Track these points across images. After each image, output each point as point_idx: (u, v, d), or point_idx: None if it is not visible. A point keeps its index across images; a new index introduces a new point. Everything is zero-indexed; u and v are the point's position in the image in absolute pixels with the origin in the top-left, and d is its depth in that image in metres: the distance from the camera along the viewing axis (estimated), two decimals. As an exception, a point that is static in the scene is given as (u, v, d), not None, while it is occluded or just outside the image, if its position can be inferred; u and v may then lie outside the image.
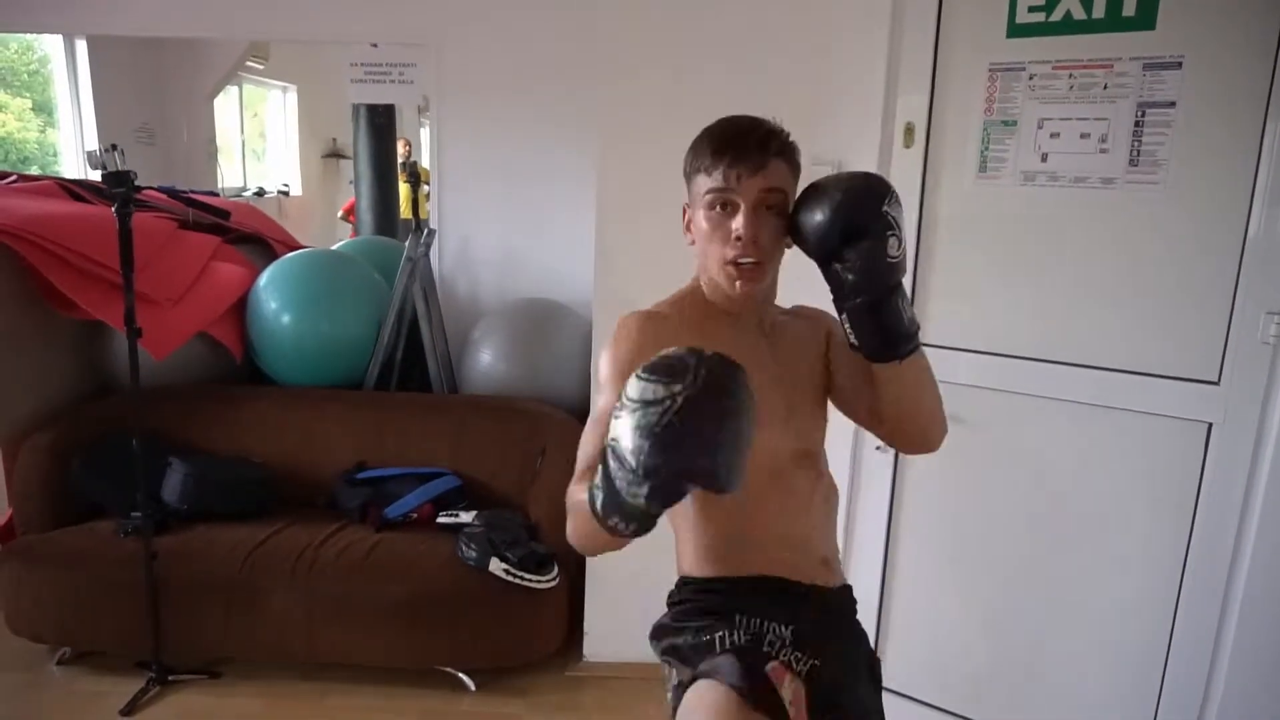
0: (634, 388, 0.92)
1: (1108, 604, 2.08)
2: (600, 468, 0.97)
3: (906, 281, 2.21)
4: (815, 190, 1.19)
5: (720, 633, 1.24)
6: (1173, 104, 1.84)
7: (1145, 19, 1.85)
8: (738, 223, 1.20)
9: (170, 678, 2.55)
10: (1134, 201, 1.92)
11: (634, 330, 1.23)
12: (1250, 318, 1.82)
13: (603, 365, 1.23)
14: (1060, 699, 2.18)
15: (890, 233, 1.14)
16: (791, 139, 1.25)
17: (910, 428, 1.30)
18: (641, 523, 0.96)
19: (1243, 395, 1.85)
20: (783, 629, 1.25)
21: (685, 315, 1.28)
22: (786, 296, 1.39)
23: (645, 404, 0.90)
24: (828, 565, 1.35)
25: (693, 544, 1.32)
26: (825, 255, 1.18)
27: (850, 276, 1.15)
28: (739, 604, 1.27)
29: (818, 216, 1.16)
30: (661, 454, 0.89)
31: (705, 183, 1.22)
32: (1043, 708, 2.21)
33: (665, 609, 1.36)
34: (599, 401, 1.21)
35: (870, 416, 1.32)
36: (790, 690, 1.17)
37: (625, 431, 0.91)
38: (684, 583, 1.35)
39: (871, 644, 1.43)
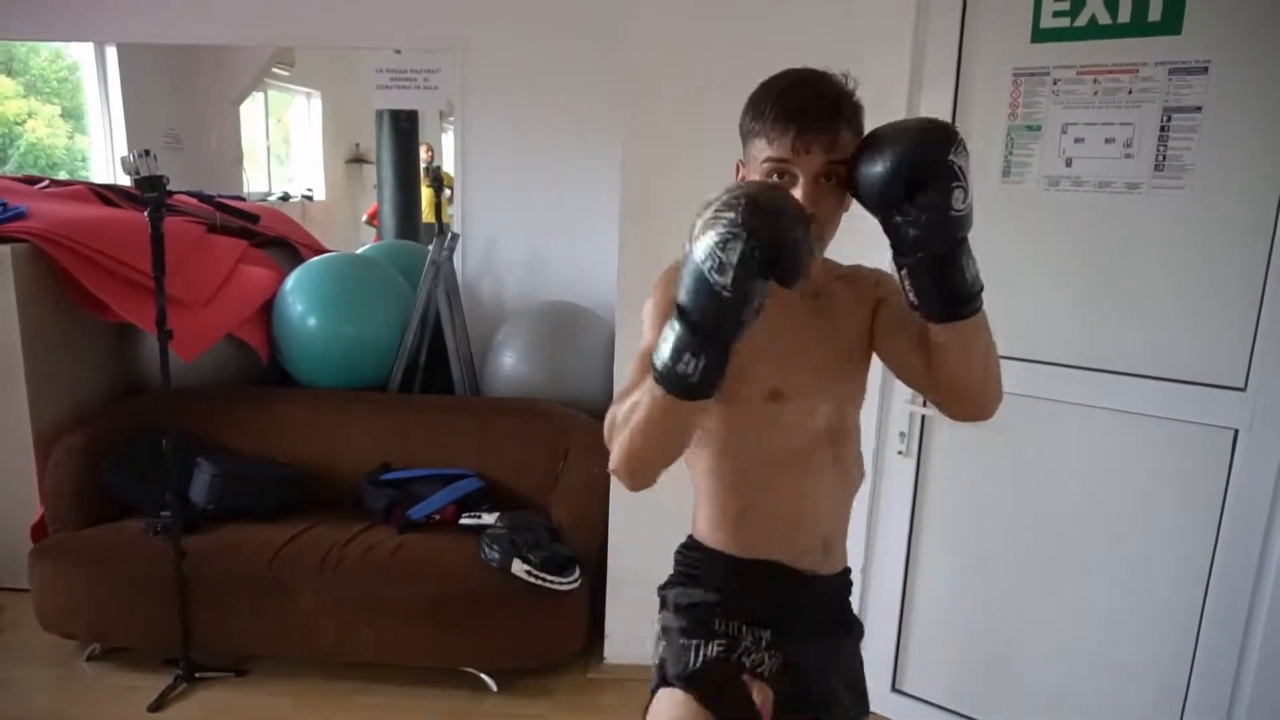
0: (701, 220, 1.01)
1: (1132, 611, 2.07)
2: (671, 319, 1.04)
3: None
4: (875, 139, 1.10)
5: (697, 642, 1.29)
6: (1199, 108, 1.84)
7: (1171, 23, 1.85)
8: (796, 195, 1.12)
9: (198, 675, 2.58)
10: (1159, 206, 1.91)
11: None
12: (1277, 323, 1.81)
13: (647, 307, 1.21)
14: (1085, 706, 2.17)
15: (956, 184, 1.03)
16: (858, 98, 1.19)
17: (966, 394, 1.23)
18: (714, 338, 1.01)
19: (1269, 401, 1.84)
20: (761, 631, 1.29)
21: None
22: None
23: (717, 212, 1.00)
24: (829, 550, 1.34)
25: (706, 507, 1.33)
26: (886, 208, 1.08)
27: (912, 231, 1.05)
28: (727, 599, 1.31)
29: (878, 167, 1.06)
30: (753, 215, 0.98)
31: (764, 149, 1.16)
32: (1067, 714, 2.20)
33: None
34: (644, 339, 1.18)
35: (925, 381, 1.25)
36: (759, 696, 1.26)
37: (705, 226, 1.00)
38: (691, 545, 1.38)
39: (860, 623, 1.46)
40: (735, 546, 1.31)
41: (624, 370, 1.28)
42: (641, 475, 1.15)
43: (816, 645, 1.33)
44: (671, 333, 1.03)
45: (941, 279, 1.08)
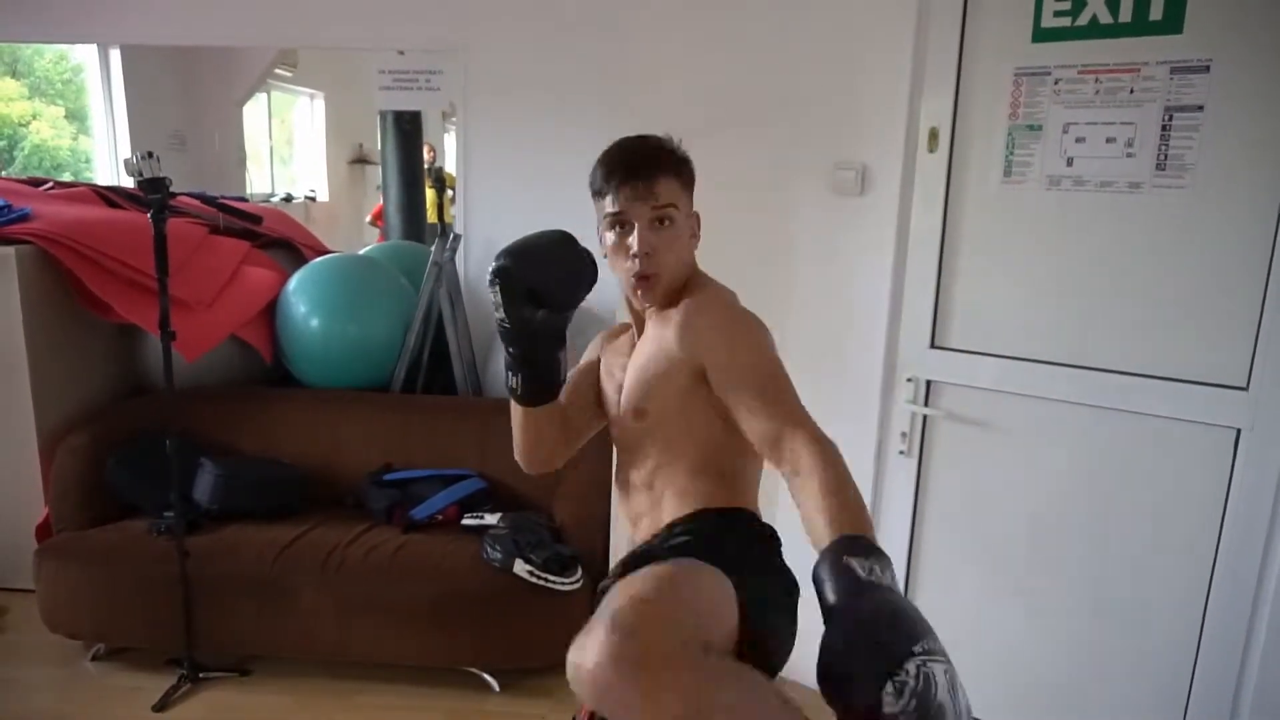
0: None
1: (1135, 610, 2.07)
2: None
3: (930, 290, 2.22)
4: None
5: None
6: (1200, 107, 1.84)
7: (1172, 23, 1.85)
8: (633, 240, 1.32)
9: (201, 674, 2.59)
10: (1161, 206, 1.91)
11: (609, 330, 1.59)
12: (1279, 322, 1.80)
13: None
14: (1087, 704, 2.17)
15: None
16: (680, 152, 1.37)
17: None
18: (519, 358, 1.35)
19: (1271, 401, 1.83)
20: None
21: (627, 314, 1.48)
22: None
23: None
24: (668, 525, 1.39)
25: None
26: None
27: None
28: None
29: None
30: (504, 260, 1.28)
31: (603, 205, 1.34)
32: (1070, 712, 2.20)
33: None
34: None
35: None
36: None
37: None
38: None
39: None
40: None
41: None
42: (525, 462, 1.50)
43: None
44: (505, 356, 1.36)
45: None
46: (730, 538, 1.34)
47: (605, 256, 1.39)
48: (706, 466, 1.37)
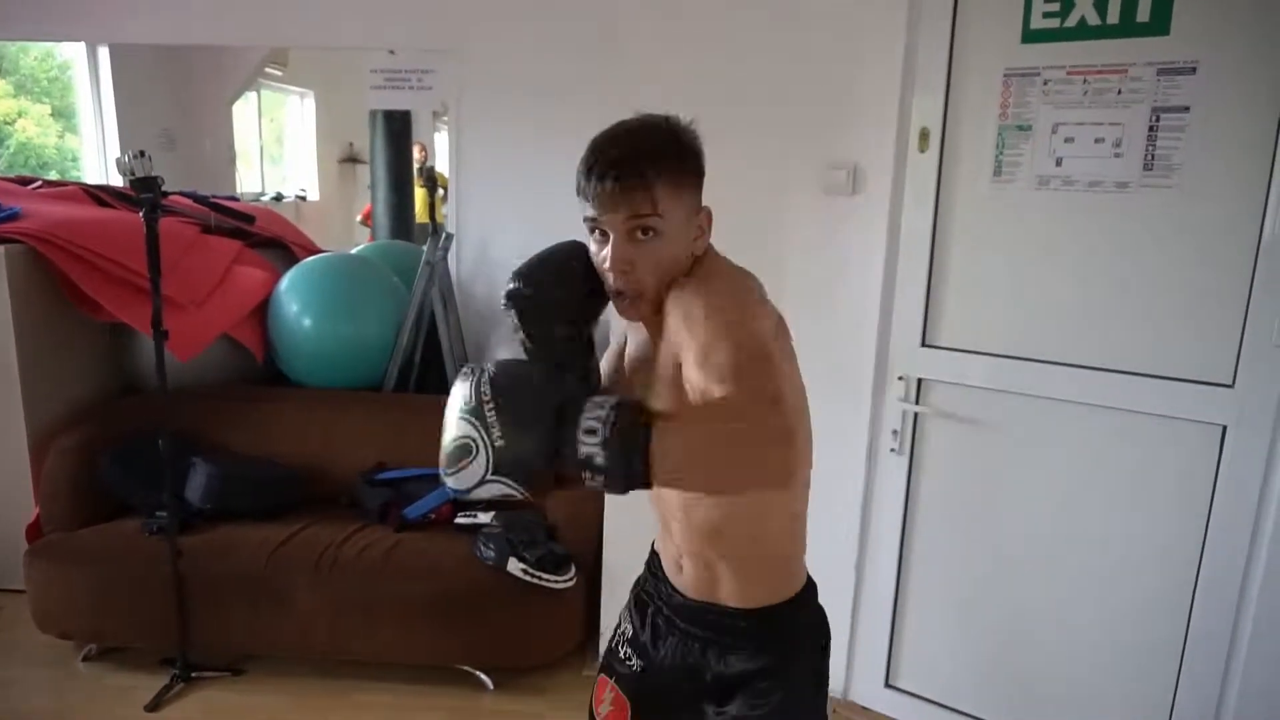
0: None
1: (1122, 606, 2.09)
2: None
3: (921, 288, 2.24)
4: None
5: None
6: (1187, 108, 1.86)
7: (1159, 24, 1.87)
8: (606, 253, 1.14)
9: (194, 674, 2.59)
10: (1148, 205, 1.93)
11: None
12: (1265, 320, 1.83)
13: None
14: (1074, 700, 2.19)
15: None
16: (683, 142, 1.16)
17: None
18: (541, 359, 1.20)
19: (1257, 398, 1.86)
20: (634, 620, 1.42)
21: None
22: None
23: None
24: (680, 569, 1.34)
25: None
26: None
27: None
28: (635, 588, 1.46)
29: None
30: (518, 284, 1.20)
31: (584, 208, 1.16)
32: (1056, 709, 2.22)
33: None
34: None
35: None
36: (610, 700, 1.38)
37: None
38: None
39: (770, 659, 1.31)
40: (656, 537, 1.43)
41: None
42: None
43: (676, 663, 1.36)
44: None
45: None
46: (805, 685, 1.31)
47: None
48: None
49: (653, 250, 1.14)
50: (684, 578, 1.33)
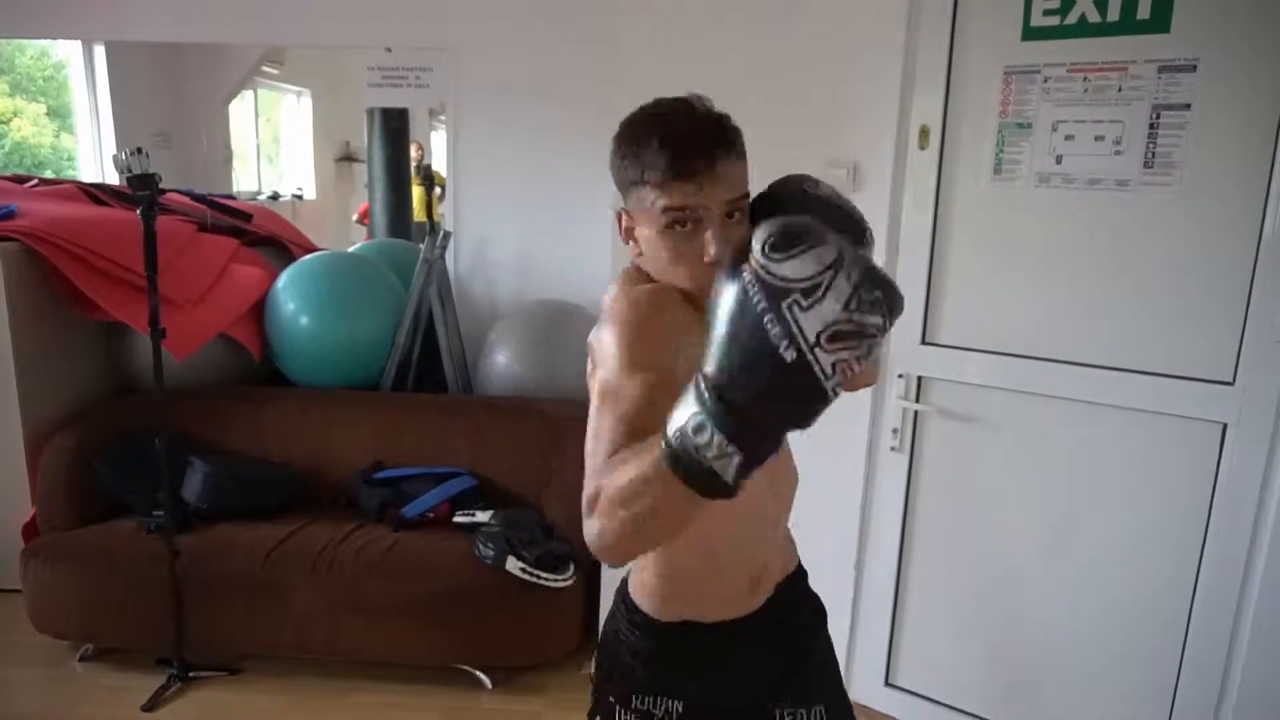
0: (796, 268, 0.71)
1: (1122, 605, 2.09)
2: (695, 387, 0.76)
3: (921, 286, 2.23)
4: None
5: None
6: (1188, 106, 1.86)
7: (1160, 22, 1.87)
8: (709, 243, 1.01)
9: (191, 674, 2.57)
10: (1149, 203, 1.93)
11: (652, 305, 1.04)
12: (1265, 318, 1.83)
13: (616, 348, 0.99)
14: (1074, 698, 2.19)
15: None
16: (731, 122, 1.07)
17: None
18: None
19: (1257, 396, 1.86)
20: (674, 704, 1.20)
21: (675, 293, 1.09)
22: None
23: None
24: (757, 585, 1.25)
25: (653, 561, 1.20)
26: None
27: None
28: (646, 675, 1.22)
29: None
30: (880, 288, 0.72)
31: (657, 198, 1.02)
32: (1056, 706, 2.22)
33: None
34: (616, 383, 0.96)
35: None
36: None
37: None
38: (631, 610, 1.25)
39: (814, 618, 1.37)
40: (669, 610, 1.21)
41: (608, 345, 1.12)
42: (648, 545, 1.05)
43: (736, 692, 1.25)
44: (689, 410, 0.77)
45: None
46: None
47: (637, 256, 1.12)
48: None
49: (740, 237, 0.97)
50: (769, 576, 1.26)
